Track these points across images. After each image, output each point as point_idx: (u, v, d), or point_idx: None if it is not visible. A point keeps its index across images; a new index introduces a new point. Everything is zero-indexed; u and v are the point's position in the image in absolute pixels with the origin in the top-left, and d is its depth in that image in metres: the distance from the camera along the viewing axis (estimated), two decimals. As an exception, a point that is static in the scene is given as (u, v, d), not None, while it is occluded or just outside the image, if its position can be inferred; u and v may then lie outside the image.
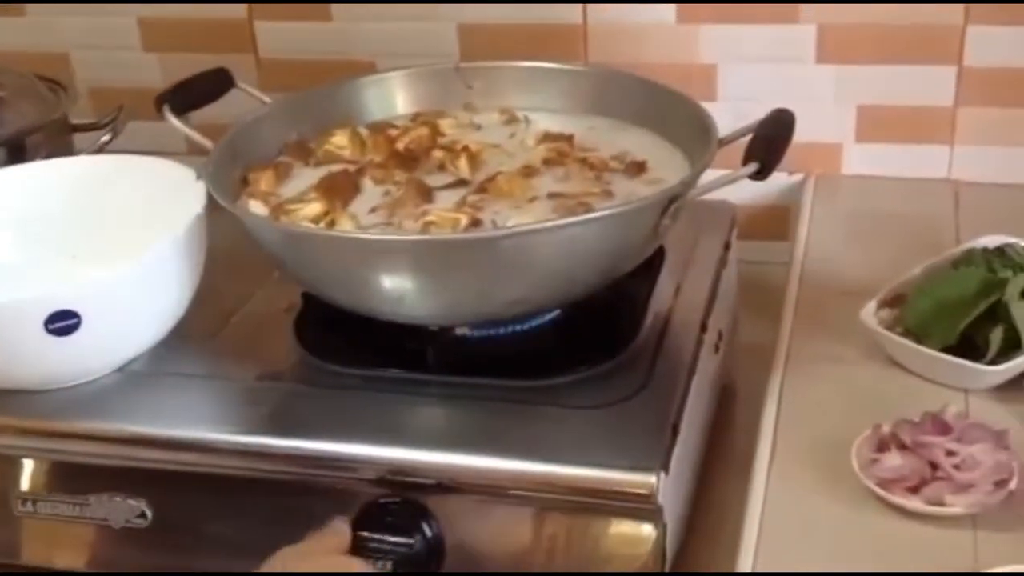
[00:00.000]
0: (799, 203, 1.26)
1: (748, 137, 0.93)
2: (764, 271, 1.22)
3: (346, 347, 0.98)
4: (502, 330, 0.97)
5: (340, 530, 0.84)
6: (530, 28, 1.29)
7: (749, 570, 0.80)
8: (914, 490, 0.83)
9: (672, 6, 1.26)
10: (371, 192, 1.01)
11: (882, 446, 0.86)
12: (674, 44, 1.27)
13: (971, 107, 1.24)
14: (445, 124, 1.11)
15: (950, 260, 1.03)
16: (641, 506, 0.82)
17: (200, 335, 1.01)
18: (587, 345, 0.96)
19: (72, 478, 0.94)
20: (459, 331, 0.97)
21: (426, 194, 0.99)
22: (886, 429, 0.87)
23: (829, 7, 1.22)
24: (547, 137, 1.07)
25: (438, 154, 1.04)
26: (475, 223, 0.93)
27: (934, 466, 0.84)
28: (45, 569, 0.96)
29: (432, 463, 0.86)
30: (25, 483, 0.95)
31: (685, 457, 0.89)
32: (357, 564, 0.83)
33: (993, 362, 0.93)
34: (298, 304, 1.02)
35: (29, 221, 1.09)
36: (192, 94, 1.10)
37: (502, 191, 0.97)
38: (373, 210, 0.98)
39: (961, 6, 1.20)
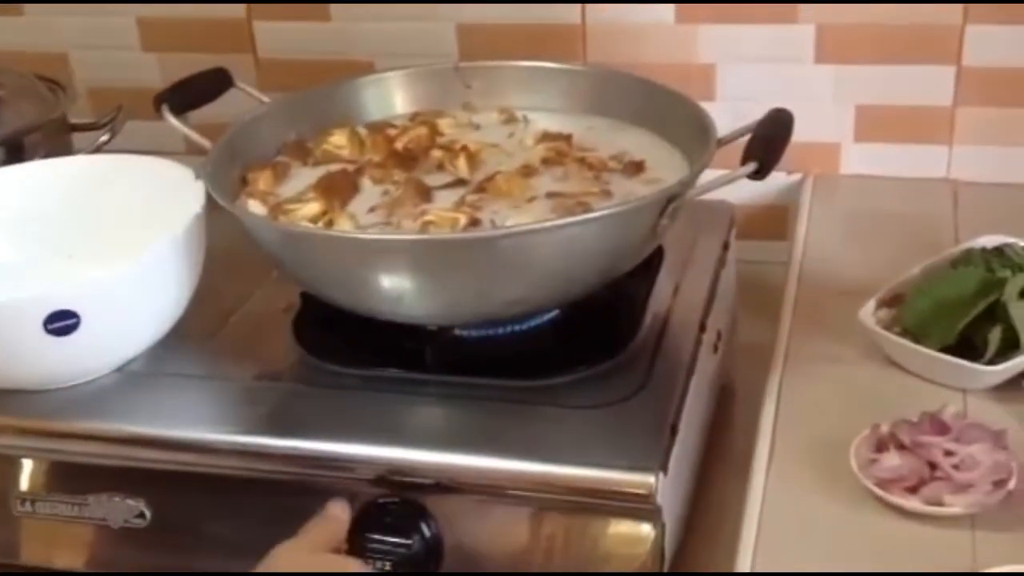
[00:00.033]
0: (798, 203, 1.26)
1: (747, 137, 0.93)
2: (763, 271, 1.22)
3: (345, 347, 0.98)
4: (501, 330, 0.97)
5: (337, 517, 0.84)
6: (529, 28, 1.29)
7: (748, 570, 0.80)
8: (912, 490, 0.83)
9: (671, 6, 1.26)
10: (370, 192, 1.01)
11: (881, 446, 0.86)
12: (673, 44, 1.27)
13: (970, 107, 1.24)
14: (444, 124, 1.11)
15: (949, 260, 1.03)
16: (640, 506, 0.82)
17: (199, 335, 1.01)
18: (586, 345, 0.96)
19: (71, 478, 0.94)
20: (458, 331, 0.97)
21: (425, 194, 0.99)
22: (885, 429, 0.87)
23: (828, 7, 1.22)
24: (546, 137, 1.07)
25: (437, 154, 1.04)
26: (474, 223, 0.93)
27: (932, 466, 0.84)
28: (44, 569, 0.96)
29: (431, 463, 0.86)
30: (24, 483, 0.94)
31: (684, 457, 0.89)
32: (354, 564, 0.83)
33: (991, 362, 0.93)
34: (297, 304, 1.02)
35: (28, 221, 1.09)
36: (191, 94, 1.10)
37: (501, 191, 0.97)
38: (372, 210, 0.98)
39: (960, 6, 1.20)
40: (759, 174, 0.89)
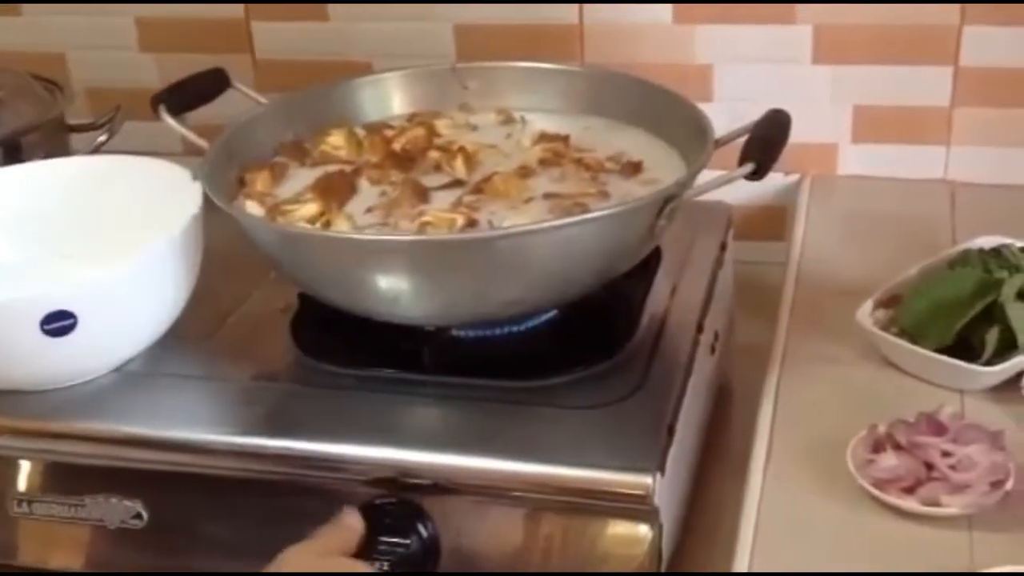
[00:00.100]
0: (795, 203, 1.26)
1: (744, 138, 0.93)
2: (760, 271, 1.22)
3: (342, 347, 0.97)
4: (498, 330, 0.97)
5: (351, 525, 0.83)
6: (526, 28, 1.29)
7: (745, 570, 0.80)
8: (910, 490, 0.83)
9: (668, 6, 1.26)
10: (367, 192, 1.01)
11: (878, 446, 0.86)
12: (670, 44, 1.27)
13: (967, 107, 1.24)
14: (441, 124, 1.11)
15: (946, 261, 1.03)
16: (637, 507, 0.82)
17: (196, 336, 1.01)
18: (583, 346, 0.96)
19: (68, 479, 0.94)
20: (455, 332, 0.97)
21: (422, 194, 0.99)
22: (882, 429, 0.87)
23: (825, 7, 1.22)
24: (543, 137, 1.07)
25: (434, 154, 1.04)
26: (471, 223, 0.93)
27: (930, 467, 0.84)
28: (40, 570, 0.95)
29: (428, 463, 0.86)
30: (21, 484, 0.94)
31: (681, 457, 0.89)
32: (363, 567, 0.82)
33: (989, 363, 0.93)
34: (294, 304, 1.02)
35: (25, 221, 1.09)
36: (188, 94, 1.10)
37: (498, 191, 0.97)
38: (369, 210, 0.98)
39: (957, 6, 1.20)
40: (757, 175, 0.90)
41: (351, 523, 0.84)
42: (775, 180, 1.30)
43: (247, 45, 1.38)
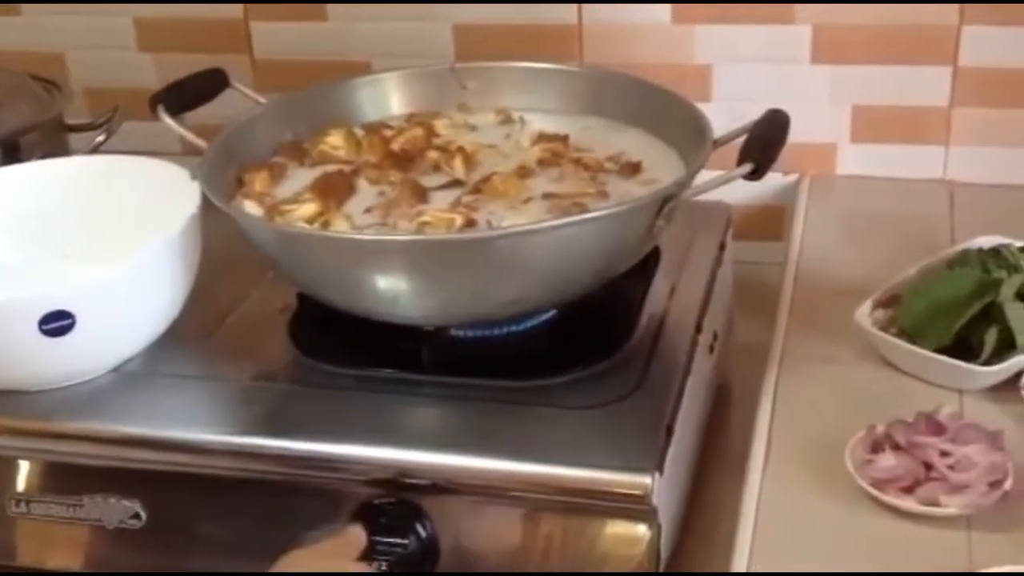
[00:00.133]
0: (794, 203, 1.26)
1: (743, 138, 0.93)
2: (759, 271, 1.22)
3: (341, 347, 0.97)
4: (497, 330, 0.97)
5: (355, 536, 0.84)
6: (525, 28, 1.29)
7: (744, 570, 0.80)
8: (908, 490, 0.83)
9: (667, 6, 1.26)
10: (366, 192, 1.01)
11: (876, 446, 0.86)
12: (669, 44, 1.27)
13: (966, 107, 1.24)
14: (440, 125, 1.11)
15: (945, 261, 1.03)
16: (635, 507, 0.82)
17: (195, 336, 1.01)
18: (582, 345, 0.96)
19: (66, 479, 0.93)
20: (454, 331, 0.97)
21: (421, 194, 0.98)
22: (880, 429, 0.87)
23: (824, 7, 1.22)
24: (542, 138, 1.07)
25: (433, 155, 1.04)
26: (470, 223, 0.93)
27: (928, 467, 0.84)
28: (39, 570, 0.95)
29: (427, 463, 0.86)
30: (19, 484, 0.94)
31: (680, 457, 0.89)
32: (355, 566, 0.82)
33: (987, 363, 0.93)
34: (293, 304, 1.02)
35: (24, 221, 1.09)
36: (187, 94, 1.10)
37: (497, 191, 0.97)
38: (368, 210, 0.98)
39: (956, 6, 1.20)
40: (755, 175, 0.89)
41: (354, 533, 0.84)
42: (774, 180, 1.30)
43: (246, 45, 1.38)
